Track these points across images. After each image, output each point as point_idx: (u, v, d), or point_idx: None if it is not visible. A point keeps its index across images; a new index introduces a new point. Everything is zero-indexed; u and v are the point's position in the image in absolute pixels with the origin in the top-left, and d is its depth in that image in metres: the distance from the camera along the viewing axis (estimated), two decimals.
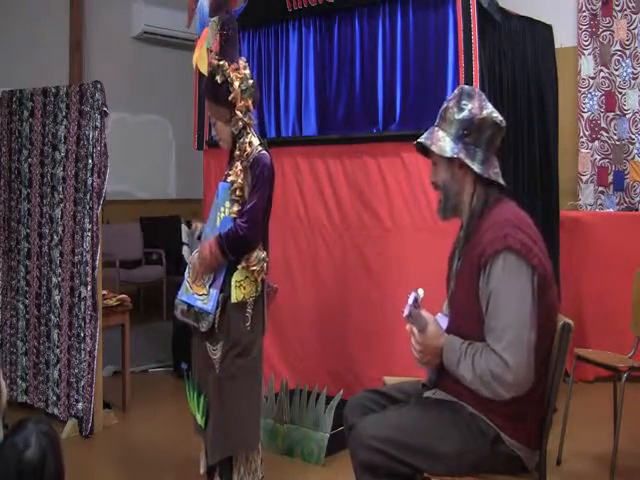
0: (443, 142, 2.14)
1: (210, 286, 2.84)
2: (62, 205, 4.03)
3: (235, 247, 2.81)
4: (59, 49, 6.77)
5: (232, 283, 2.83)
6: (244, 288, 2.85)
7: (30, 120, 4.21)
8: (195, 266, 2.88)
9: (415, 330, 2.10)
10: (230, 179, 2.86)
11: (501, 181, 2.17)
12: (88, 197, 3.89)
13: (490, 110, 2.15)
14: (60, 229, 4.04)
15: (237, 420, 2.87)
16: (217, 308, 2.82)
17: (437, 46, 3.79)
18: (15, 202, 4.30)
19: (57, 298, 4.05)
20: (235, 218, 2.82)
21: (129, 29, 7.41)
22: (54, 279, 4.07)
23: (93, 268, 3.88)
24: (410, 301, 2.01)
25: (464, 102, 2.15)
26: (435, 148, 2.15)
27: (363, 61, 4.10)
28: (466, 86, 2.24)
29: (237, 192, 2.83)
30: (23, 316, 4.25)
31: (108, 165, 3.89)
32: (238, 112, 2.85)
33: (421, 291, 2.03)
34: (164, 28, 7.39)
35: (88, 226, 3.89)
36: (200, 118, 4.73)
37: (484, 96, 2.20)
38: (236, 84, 2.83)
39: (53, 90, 4.12)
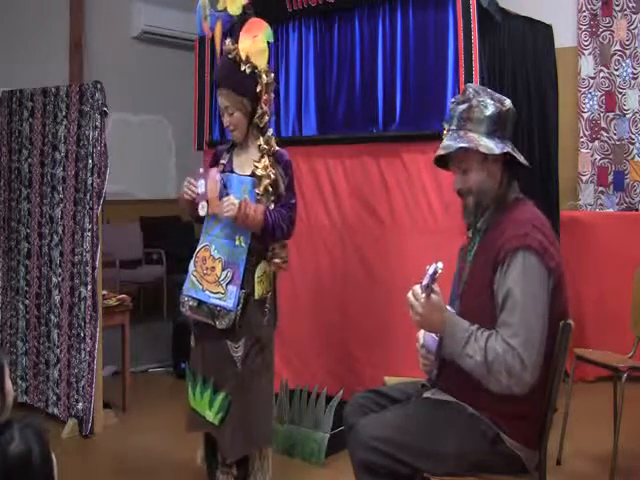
0: (483, 141, 2.12)
1: (228, 284, 2.79)
2: (62, 205, 4.03)
3: (274, 234, 2.80)
4: (59, 49, 6.77)
5: (255, 279, 2.81)
6: (263, 283, 2.85)
7: (30, 120, 4.21)
8: (223, 206, 2.75)
9: (420, 294, 2.02)
10: (260, 173, 2.79)
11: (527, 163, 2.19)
12: (88, 197, 3.89)
13: (508, 102, 2.17)
14: (60, 229, 4.04)
15: (258, 416, 2.86)
16: (238, 305, 2.78)
17: (437, 46, 3.79)
18: (15, 202, 4.30)
19: (57, 298, 4.05)
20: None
21: (129, 29, 7.41)
22: (54, 279, 4.07)
23: (93, 268, 3.88)
24: (430, 271, 1.97)
25: (481, 99, 2.15)
26: (483, 148, 2.11)
27: (363, 61, 4.10)
28: (470, 84, 2.25)
29: (270, 188, 2.79)
30: (23, 316, 4.25)
31: (108, 165, 3.88)
32: (264, 105, 2.81)
33: (441, 264, 1.96)
34: (164, 28, 7.39)
35: (88, 226, 3.89)
36: (200, 118, 4.73)
37: (489, 90, 2.21)
38: (264, 77, 2.79)
39: (53, 90, 4.11)
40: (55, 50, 6.72)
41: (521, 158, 2.15)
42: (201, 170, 2.89)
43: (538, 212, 2.17)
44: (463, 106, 2.16)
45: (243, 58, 2.78)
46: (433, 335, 2.19)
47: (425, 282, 1.99)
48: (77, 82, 6.19)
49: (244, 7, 2.85)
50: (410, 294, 2.05)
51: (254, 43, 2.79)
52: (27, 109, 4.22)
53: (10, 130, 4.32)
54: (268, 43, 2.83)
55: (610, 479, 3.25)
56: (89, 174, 3.88)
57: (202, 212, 2.84)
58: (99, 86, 3.86)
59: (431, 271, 1.97)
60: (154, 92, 7.44)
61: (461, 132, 2.15)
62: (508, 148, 2.13)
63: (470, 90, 2.18)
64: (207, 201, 2.83)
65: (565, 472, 3.43)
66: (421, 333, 2.26)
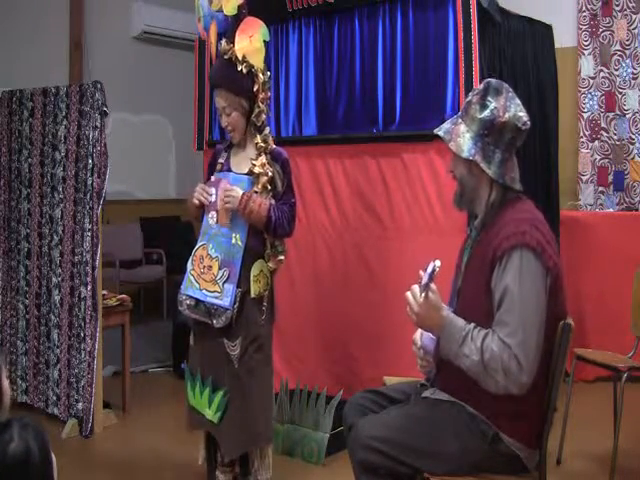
0: (462, 139, 2.12)
1: (224, 282, 2.80)
2: (62, 205, 4.03)
3: (275, 232, 2.82)
4: (59, 49, 6.77)
5: (251, 278, 2.81)
6: (259, 282, 2.85)
7: (30, 120, 4.21)
8: (230, 197, 2.77)
9: (419, 294, 2.02)
10: (257, 170, 2.80)
11: (516, 187, 2.15)
12: (88, 197, 3.89)
13: (513, 112, 2.09)
14: (60, 229, 4.04)
15: (257, 414, 2.86)
16: (235, 304, 2.79)
17: (437, 46, 3.79)
18: (15, 202, 4.30)
19: (57, 298, 4.05)
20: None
21: (129, 29, 7.41)
22: (54, 279, 4.07)
23: (93, 268, 3.88)
24: (429, 270, 1.97)
25: (489, 98, 2.10)
26: (453, 146, 2.13)
27: (363, 61, 4.10)
28: (494, 80, 2.16)
29: (269, 186, 2.81)
30: (23, 316, 4.25)
31: (108, 165, 3.88)
32: (261, 104, 2.82)
33: (438, 262, 1.97)
34: (164, 28, 7.40)
35: (88, 226, 3.89)
36: (200, 118, 4.72)
37: (512, 93, 2.13)
38: (260, 75, 2.80)
39: (53, 90, 4.11)
40: (55, 50, 6.72)
41: (491, 172, 2.09)
42: (213, 179, 2.90)
43: (536, 211, 2.15)
44: (469, 98, 2.16)
45: (240, 58, 2.78)
46: (431, 335, 2.19)
47: (424, 281, 1.99)
48: (77, 82, 6.20)
49: (239, 7, 2.85)
50: (408, 293, 2.05)
51: (251, 43, 2.79)
52: (27, 109, 4.22)
53: (10, 130, 4.32)
54: (264, 42, 2.83)
55: (610, 479, 3.25)
56: (89, 174, 3.88)
57: (212, 221, 2.86)
58: (99, 86, 3.86)
59: (429, 269, 1.97)
60: (154, 92, 7.45)
61: (458, 120, 2.17)
62: (478, 157, 2.09)
63: (482, 87, 2.15)
64: (217, 211, 2.84)
65: (565, 472, 3.43)
66: (417, 335, 2.26)
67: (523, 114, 2.12)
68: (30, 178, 4.21)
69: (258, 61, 2.80)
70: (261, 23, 2.84)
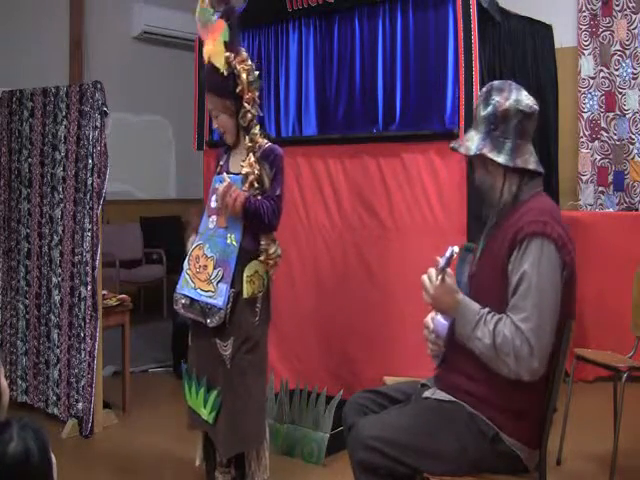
0: (470, 142, 2.15)
1: (218, 282, 2.81)
2: (62, 205, 4.03)
3: (254, 222, 2.81)
4: (59, 49, 6.77)
5: (244, 278, 2.82)
6: (254, 283, 2.85)
7: (30, 120, 4.21)
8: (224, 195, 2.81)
9: (435, 277, 2.07)
10: (245, 171, 2.83)
11: (531, 167, 2.15)
12: (88, 197, 3.89)
13: (514, 99, 2.11)
14: (60, 229, 4.04)
15: (249, 415, 2.87)
16: (228, 303, 2.79)
17: (437, 46, 3.79)
18: (15, 202, 4.30)
19: (57, 298, 4.05)
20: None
21: (129, 29, 7.41)
22: (54, 279, 4.07)
23: (93, 268, 3.88)
24: (447, 254, 2.02)
25: (492, 97, 2.13)
26: (463, 149, 2.16)
27: (363, 61, 4.10)
28: (496, 82, 2.19)
29: (255, 184, 2.82)
30: (23, 316, 4.25)
31: (108, 165, 3.88)
32: (246, 104, 2.84)
33: (457, 248, 2.03)
34: (164, 28, 7.40)
35: (88, 226, 3.89)
36: (200, 118, 4.72)
37: (514, 85, 2.15)
38: (244, 76, 2.81)
39: (53, 90, 4.11)
40: (55, 50, 6.72)
41: (501, 159, 2.11)
42: (217, 185, 2.93)
43: (556, 206, 2.20)
44: (475, 105, 2.21)
45: (206, 61, 2.83)
46: (443, 320, 2.20)
47: (441, 265, 2.04)
48: (77, 82, 6.20)
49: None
50: (424, 276, 2.10)
51: (213, 45, 2.84)
52: (27, 109, 4.22)
53: (10, 130, 4.32)
54: (225, 43, 2.84)
55: (610, 479, 3.25)
56: (89, 174, 3.88)
57: (212, 225, 2.90)
58: (99, 86, 3.86)
59: (447, 254, 2.02)
60: (154, 92, 7.45)
61: (469, 130, 2.21)
62: (486, 149, 2.11)
63: (484, 90, 2.17)
64: (218, 215, 2.89)
65: (565, 472, 3.43)
66: (429, 318, 2.26)
67: (525, 98, 2.13)
68: (30, 178, 4.21)
69: (220, 62, 2.82)
70: (223, 25, 2.87)
